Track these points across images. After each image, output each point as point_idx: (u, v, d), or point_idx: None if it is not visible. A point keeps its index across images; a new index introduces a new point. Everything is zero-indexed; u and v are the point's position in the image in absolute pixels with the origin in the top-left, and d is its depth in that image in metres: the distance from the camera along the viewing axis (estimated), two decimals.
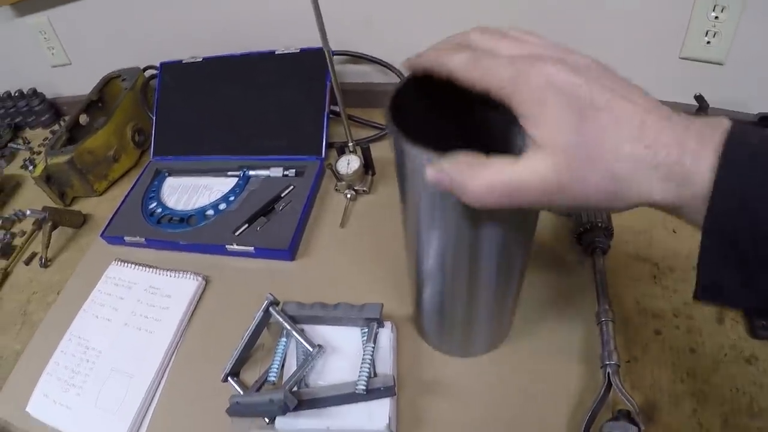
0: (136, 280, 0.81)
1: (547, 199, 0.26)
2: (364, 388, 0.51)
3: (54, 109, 1.20)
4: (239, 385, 0.61)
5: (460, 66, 0.29)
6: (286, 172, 0.87)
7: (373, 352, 0.54)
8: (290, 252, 0.76)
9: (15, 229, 1.00)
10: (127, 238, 0.86)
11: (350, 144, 0.86)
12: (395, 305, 0.62)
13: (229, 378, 0.61)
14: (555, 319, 0.57)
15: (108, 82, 1.10)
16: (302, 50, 0.93)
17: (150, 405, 0.68)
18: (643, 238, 0.63)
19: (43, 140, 1.20)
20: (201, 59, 0.99)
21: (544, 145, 0.26)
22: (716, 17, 0.67)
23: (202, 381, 0.66)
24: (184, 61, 1.00)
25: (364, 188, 0.82)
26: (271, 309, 0.64)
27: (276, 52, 0.94)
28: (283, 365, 0.59)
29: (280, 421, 0.52)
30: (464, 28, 0.34)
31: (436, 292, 0.47)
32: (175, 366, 0.71)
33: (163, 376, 0.70)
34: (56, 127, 1.23)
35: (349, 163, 0.84)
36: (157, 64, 1.05)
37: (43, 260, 0.90)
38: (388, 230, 0.65)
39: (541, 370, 0.53)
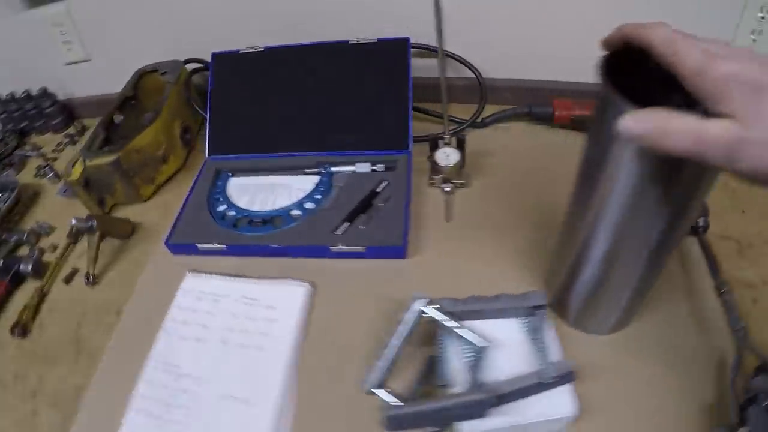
0: (224, 292, 0.69)
1: (731, 154, 0.29)
2: (553, 376, 0.48)
3: (66, 111, 1.06)
4: (390, 396, 0.52)
5: (660, 39, 0.31)
6: (374, 167, 0.80)
7: (546, 339, 0.52)
8: (404, 249, 0.69)
9: (42, 244, 0.84)
10: (201, 246, 0.73)
11: (446, 135, 0.79)
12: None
13: (377, 390, 0.51)
14: (674, 292, 0.60)
15: (141, 77, 0.97)
16: (380, 40, 0.85)
17: None
18: (719, 220, 0.66)
19: (57, 146, 1.05)
20: (262, 48, 0.89)
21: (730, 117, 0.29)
22: (762, 17, 0.74)
23: (336, 397, 0.57)
24: (240, 51, 0.89)
25: (461, 181, 0.76)
26: (427, 308, 0.55)
27: (350, 42, 0.86)
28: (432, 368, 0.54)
29: (466, 425, 0.47)
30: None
31: (601, 262, 0.48)
32: (301, 384, 0.60)
33: (287, 398, 0.59)
34: (71, 130, 1.07)
35: (448, 156, 0.77)
36: (200, 57, 0.94)
37: (91, 277, 0.76)
38: (497, 220, 0.70)
39: (676, 342, 0.56)
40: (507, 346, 0.52)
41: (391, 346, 0.53)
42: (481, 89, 0.87)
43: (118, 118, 0.92)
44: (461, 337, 0.52)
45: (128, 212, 0.86)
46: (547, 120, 0.84)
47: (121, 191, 0.85)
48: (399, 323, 0.54)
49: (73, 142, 1.05)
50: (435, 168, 0.75)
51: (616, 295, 0.51)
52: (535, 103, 0.85)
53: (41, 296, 0.77)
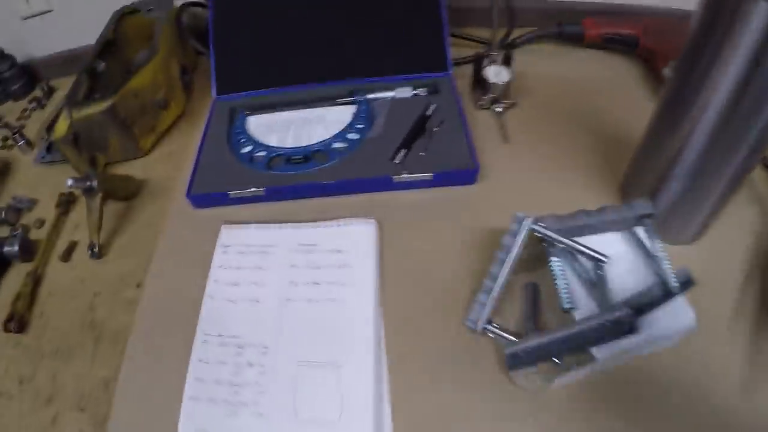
0: (273, 242, 0.56)
1: None
2: (678, 284, 0.43)
3: (28, 73, 0.89)
4: (503, 332, 0.46)
5: None
6: (415, 92, 0.70)
7: (655, 248, 0.45)
8: (477, 172, 0.60)
9: (25, 220, 0.68)
10: (233, 193, 0.59)
11: (494, 52, 0.69)
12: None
13: (489, 326, 0.45)
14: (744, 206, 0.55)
15: (121, 18, 0.80)
16: None
17: (383, 393, 0.45)
18: None
19: (22, 113, 0.88)
20: None
21: None
22: None
23: (435, 342, 0.48)
24: None
25: (511, 101, 0.69)
26: (535, 228, 0.46)
27: None
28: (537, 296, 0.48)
29: (597, 350, 0.41)
30: None
31: (690, 172, 0.46)
32: (391, 334, 0.49)
33: (381, 352, 0.48)
34: (37, 92, 0.90)
35: (499, 73, 0.67)
36: None
37: (96, 248, 0.60)
38: (555, 139, 0.64)
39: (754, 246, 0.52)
40: (619, 260, 0.46)
41: (494, 276, 0.46)
42: (509, 11, 0.80)
43: (99, 65, 0.75)
44: (576, 255, 0.45)
45: (126, 171, 0.71)
46: (576, 40, 0.77)
47: (117, 146, 0.70)
48: (502, 249, 0.46)
49: (41, 106, 0.88)
50: (483, 88, 0.68)
51: (699, 206, 0.49)
52: (565, 23, 0.77)
53: (35, 280, 0.61)
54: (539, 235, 0.46)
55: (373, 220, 0.56)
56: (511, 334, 0.45)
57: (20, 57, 0.92)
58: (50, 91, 0.91)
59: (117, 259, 0.62)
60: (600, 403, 0.42)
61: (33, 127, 0.83)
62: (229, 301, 0.52)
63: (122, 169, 0.71)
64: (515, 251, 0.45)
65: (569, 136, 0.63)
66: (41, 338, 0.56)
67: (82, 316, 0.57)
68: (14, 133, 0.80)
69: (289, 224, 0.57)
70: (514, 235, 0.46)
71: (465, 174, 0.59)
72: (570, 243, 0.45)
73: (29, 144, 0.79)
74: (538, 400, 0.42)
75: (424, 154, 0.62)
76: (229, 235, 0.57)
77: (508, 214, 0.47)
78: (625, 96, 0.68)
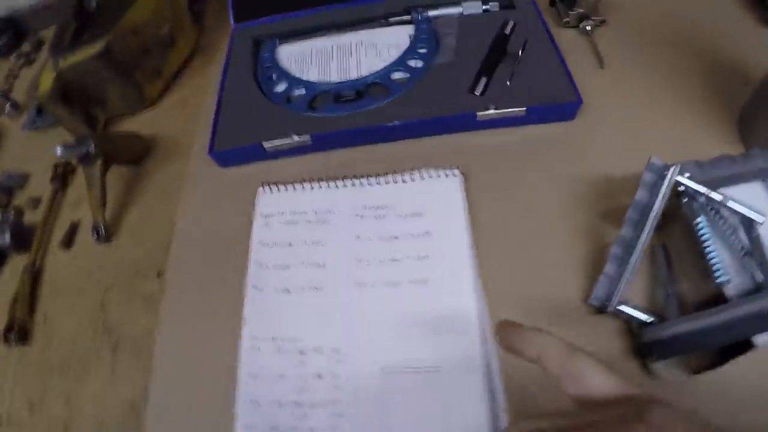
0: (329, 206, 0.40)
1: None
2: None
3: (12, 26, 0.74)
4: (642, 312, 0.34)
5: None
6: (485, 6, 0.54)
7: None
8: (579, 106, 0.45)
9: (18, 201, 0.54)
10: (269, 145, 0.44)
11: None
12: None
13: (622, 306, 0.34)
14: None
15: None
16: None
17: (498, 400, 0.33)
18: None
19: (10, 72, 0.73)
20: None
21: None
22: None
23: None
24: None
25: (601, 18, 0.54)
26: (680, 180, 0.34)
27: None
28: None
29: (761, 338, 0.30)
30: None
31: None
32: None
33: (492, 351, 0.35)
34: (25, 47, 0.75)
35: None
36: None
37: (102, 230, 0.46)
38: (655, 62, 0.49)
39: None
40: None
41: (626, 242, 0.34)
42: None
43: (90, 3, 0.60)
44: (721, 213, 0.34)
45: (131, 128, 0.56)
46: None
47: (117, 98, 0.55)
48: (635, 207, 0.35)
49: (30, 62, 0.74)
50: (567, 2, 0.54)
51: None
52: None
53: (34, 276, 0.48)
54: (682, 188, 0.34)
55: (457, 172, 0.41)
56: (646, 313, 0.33)
57: (2, 9, 0.77)
58: (39, 45, 0.77)
59: (129, 242, 0.48)
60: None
61: (22, 88, 0.69)
62: (281, 290, 0.38)
63: (126, 127, 0.57)
64: (656, 210, 0.34)
65: (669, 61, 0.49)
66: (47, 349, 0.44)
67: (92, 318, 0.44)
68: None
69: (348, 181, 0.42)
70: (650, 187, 0.34)
71: (565, 108, 0.45)
72: (718, 198, 0.33)
73: (18, 108, 0.65)
74: (675, 392, 0.32)
75: (509, 83, 0.46)
76: (269, 200, 0.43)
77: (617, 157, 0.40)
78: (731, 18, 0.52)
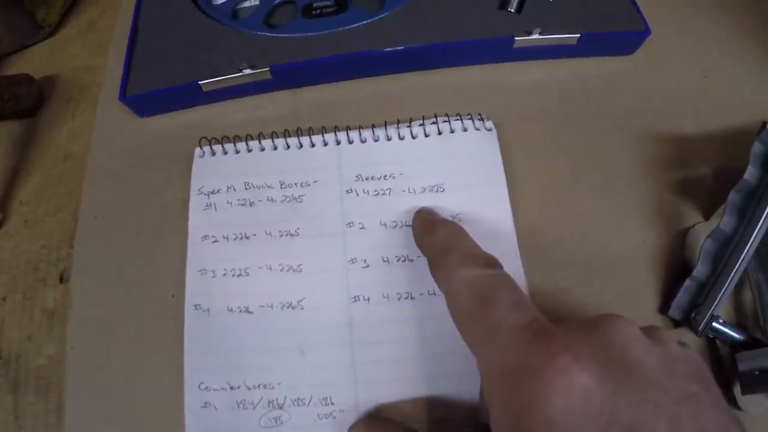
0: (301, 176, 0.26)
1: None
2: None
3: None
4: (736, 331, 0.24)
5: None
6: None
7: None
8: (644, 37, 0.32)
9: None
10: (207, 83, 0.28)
11: None
12: None
13: (715, 324, 0.24)
14: None
15: None
16: None
17: None
18: None
19: None
20: None
21: None
22: None
23: None
24: None
25: None
26: None
27: None
28: None
29: None
30: None
31: None
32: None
33: None
34: None
35: None
36: None
37: None
38: None
39: None
40: None
41: (722, 238, 0.24)
42: None
43: None
44: None
45: (22, 67, 0.40)
46: None
47: (1, 27, 0.38)
48: (739, 188, 0.24)
49: None
50: None
51: None
52: None
53: None
54: None
55: (490, 124, 0.28)
56: (737, 332, 0.24)
57: None
58: None
59: (23, 229, 0.34)
60: None
61: None
62: (237, 310, 0.25)
63: (14, 68, 0.41)
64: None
65: None
66: None
67: None
68: None
69: (331, 135, 0.28)
70: (763, 164, 0.24)
71: (626, 39, 0.32)
72: None
73: None
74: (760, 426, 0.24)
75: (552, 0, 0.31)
76: (211, 166, 0.28)
77: (689, 109, 0.30)
78: None
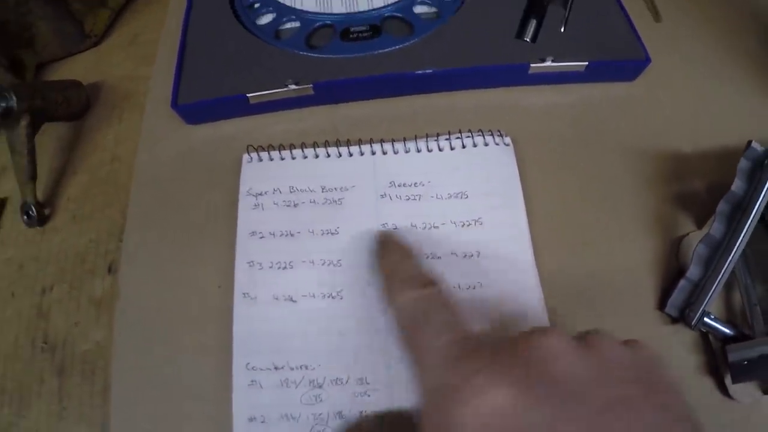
0: (340, 182, 0.30)
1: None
2: None
3: None
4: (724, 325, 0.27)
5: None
6: None
7: None
8: (645, 66, 0.36)
9: None
10: (255, 96, 0.32)
11: None
12: None
13: (707, 319, 0.27)
14: None
15: None
16: None
17: None
18: None
19: None
20: None
21: None
22: None
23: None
24: None
25: None
26: None
27: None
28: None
29: None
30: None
31: None
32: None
33: None
34: None
35: None
36: None
37: (33, 210, 0.35)
38: (714, 14, 0.40)
39: None
40: None
41: (714, 242, 0.28)
42: None
43: None
44: None
45: (70, 72, 0.43)
46: None
47: (48, 34, 0.42)
48: (728, 198, 0.28)
49: None
50: None
51: None
52: None
53: None
54: None
55: (509, 139, 0.32)
56: (730, 327, 0.27)
57: None
58: None
59: (70, 225, 0.36)
60: None
61: None
62: (282, 299, 0.28)
63: (63, 73, 0.44)
64: (758, 205, 0.27)
65: (730, 15, 0.40)
66: None
67: (28, 329, 0.33)
68: None
69: (367, 146, 0.31)
70: (748, 177, 0.28)
71: (629, 67, 0.36)
72: None
73: None
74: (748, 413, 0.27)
75: (564, 30, 0.36)
76: (258, 171, 0.32)
77: (686, 129, 0.34)
78: None
